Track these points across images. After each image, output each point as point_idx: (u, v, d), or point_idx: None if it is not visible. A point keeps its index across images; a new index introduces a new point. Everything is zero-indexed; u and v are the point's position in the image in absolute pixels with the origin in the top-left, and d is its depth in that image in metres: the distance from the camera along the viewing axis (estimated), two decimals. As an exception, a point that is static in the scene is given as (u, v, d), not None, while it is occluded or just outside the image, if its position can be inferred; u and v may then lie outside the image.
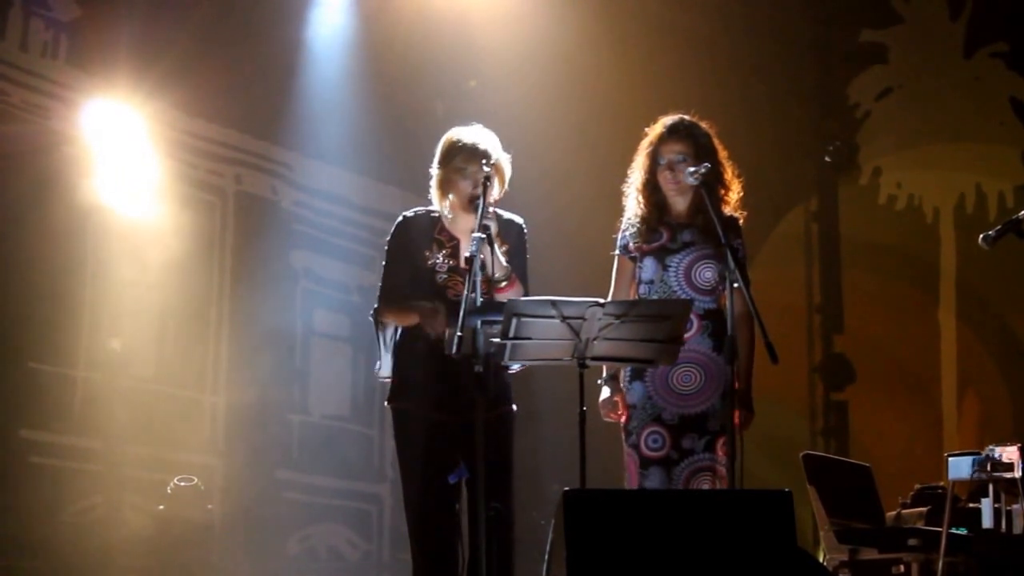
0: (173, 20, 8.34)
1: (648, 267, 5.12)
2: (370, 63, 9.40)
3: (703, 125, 5.20)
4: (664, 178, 5.13)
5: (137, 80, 8.13)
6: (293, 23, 9.15)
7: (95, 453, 8.04)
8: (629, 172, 5.25)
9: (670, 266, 5.09)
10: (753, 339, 4.98)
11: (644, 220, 5.14)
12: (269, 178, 9.39)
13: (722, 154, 5.18)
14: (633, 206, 5.19)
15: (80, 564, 7.56)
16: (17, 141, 7.77)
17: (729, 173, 5.17)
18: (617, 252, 5.23)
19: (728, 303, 4.80)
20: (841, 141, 10.52)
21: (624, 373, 5.11)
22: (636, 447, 5.03)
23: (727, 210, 5.14)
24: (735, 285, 4.76)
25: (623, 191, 5.25)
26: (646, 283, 5.12)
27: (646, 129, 5.24)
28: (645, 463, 5.00)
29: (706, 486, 4.95)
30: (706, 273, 5.08)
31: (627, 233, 5.19)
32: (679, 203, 5.16)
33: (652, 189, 5.15)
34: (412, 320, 4.80)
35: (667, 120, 5.20)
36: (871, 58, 10.52)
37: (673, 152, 5.12)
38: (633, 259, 5.17)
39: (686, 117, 5.20)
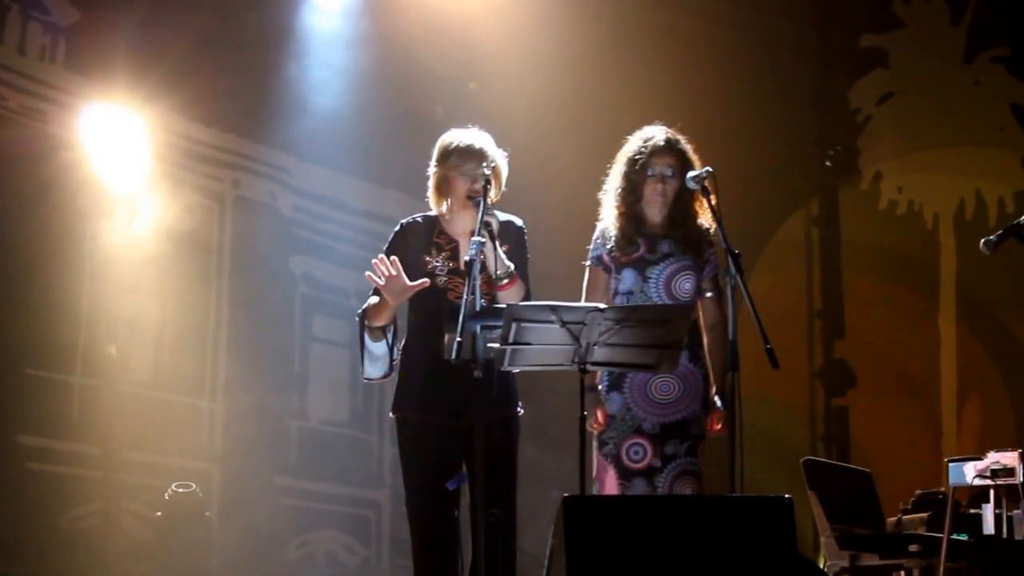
0: (171, 24, 8.32)
1: (627, 278, 5.17)
2: (369, 66, 9.38)
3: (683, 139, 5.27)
4: (652, 190, 5.17)
5: (135, 84, 8.12)
6: (292, 27, 9.13)
7: (93, 459, 8.02)
8: (606, 180, 5.27)
9: (650, 277, 5.16)
10: (725, 345, 5.00)
11: (622, 231, 5.17)
12: (267, 182, 9.36)
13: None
14: (612, 216, 5.21)
15: (77, 570, 7.55)
16: (15, 146, 7.76)
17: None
18: (589, 263, 5.26)
19: (729, 307, 4.80)
20: (842, 146, 10.52)
21: (602, 384, 5.12)
22: (616, 458, 5.08)
23: (704, 220, 5.21)
24: (732, 288, 4.77)
25: (599, 199, 5.28)
26: (623, 294, 5.16)
27: (627, 137, 5.27)
28: (627, 475, 5.07)
29: (688, 490, 5.02)
30: (685, 284, 5.16)
31: (601, 244, 5.21)
32: (656, 215, 5.21)
33: (635, 199, 5.18)
34: (383, 307, 4.73)
35: (658, 133, 5.24)
36: (872, 62, 10.52)
37: (665, 165, 5.18)
38: (608, 270, 5.21)
39: (670, 130, 5.25)
